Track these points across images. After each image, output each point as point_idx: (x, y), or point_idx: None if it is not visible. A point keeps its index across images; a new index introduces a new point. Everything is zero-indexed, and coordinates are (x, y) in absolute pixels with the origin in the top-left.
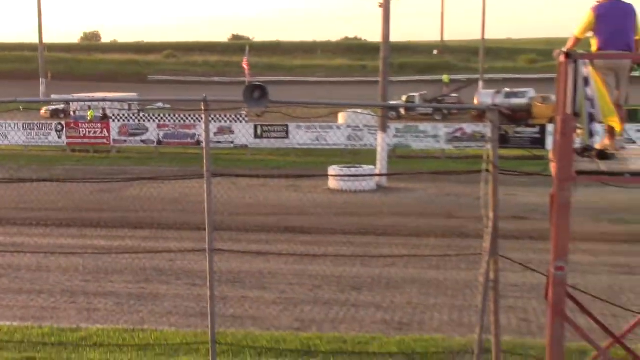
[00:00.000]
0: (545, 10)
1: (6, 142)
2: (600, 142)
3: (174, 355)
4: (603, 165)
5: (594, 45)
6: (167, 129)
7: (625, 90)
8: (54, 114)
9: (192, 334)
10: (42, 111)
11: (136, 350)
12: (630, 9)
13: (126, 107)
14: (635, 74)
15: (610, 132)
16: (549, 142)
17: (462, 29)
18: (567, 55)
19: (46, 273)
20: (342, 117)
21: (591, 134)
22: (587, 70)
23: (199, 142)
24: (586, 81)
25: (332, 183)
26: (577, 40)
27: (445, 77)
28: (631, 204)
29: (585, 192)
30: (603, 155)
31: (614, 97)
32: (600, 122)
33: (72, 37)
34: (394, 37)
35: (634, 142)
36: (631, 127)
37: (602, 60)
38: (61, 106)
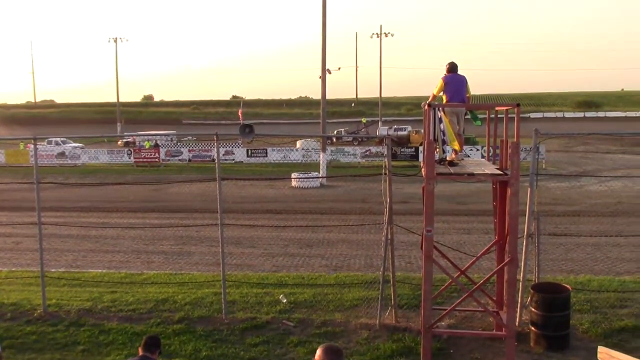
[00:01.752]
0: (416, 76)
1: (97, 161)
2: (449, 156)
3: (200, 288)
4: (452, 170)
5: (444, 99)
6: (194, 152)
7: (462, 125)
8: (126, 144)
9: (211, 275)
10: (119, 142)
11: (177, 286)
12: (463, 78)
13: (169, 139)
14: (467, 117)
15: (455, 150)
16: (420, 156)
17: (369, 90)
18: (429, 105)
19: (122, 240)
20: (299, 143)
21: (444, 151)
22: (440, 114)
23: (213, 160)
24: (440, 120)
25: (294, 183)
26: (434, 97)
27: (363, 119)
28: (468, 192)
29: (442, 186)
30: (451, 163)
31: (456, 129)
32: (449, 145)
33: (136, 97)
34: (328, 96)
35: (468, 156)
36: (467, 148)
37: (449, 108)
38: (130, 139)
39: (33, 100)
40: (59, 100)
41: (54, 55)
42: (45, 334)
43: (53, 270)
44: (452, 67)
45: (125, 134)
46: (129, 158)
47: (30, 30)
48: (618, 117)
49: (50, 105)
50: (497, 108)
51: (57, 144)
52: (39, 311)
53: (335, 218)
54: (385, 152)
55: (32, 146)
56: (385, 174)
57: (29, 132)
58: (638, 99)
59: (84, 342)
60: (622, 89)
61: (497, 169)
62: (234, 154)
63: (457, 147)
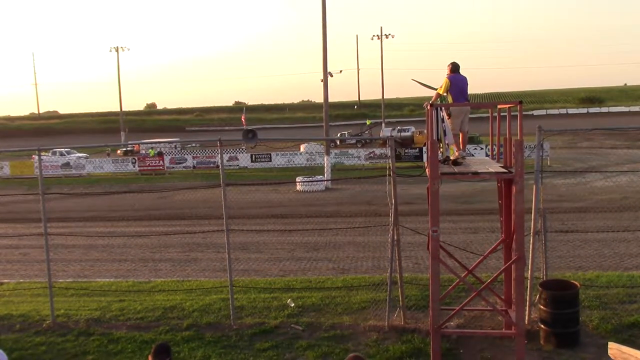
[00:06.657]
0: (417, 77)
1: (102, 171)
2: (453, 155)
3: (208, 295)
4: (456, 169)
5: (450, 99)
6: (198, 158)
7: (467, 124)
8: (126, 153)
9: (219, 281)
10: (118, 152)
11: (185, 293)
12: (465, 78)
13: (173, 146)
14: (470, 115)
15: (458, 149)
16: (424, 157)
17: (371, 91)
18: (431, 105)
19: (128, 248)
20: (302, 147)
21: (447, 151)
22: (442, 113)
23: (217, 166)
24: (442, 120)
25: (298, 187)
26: (439, 95)
27: (368, 121)
28: (473, 191)
29: (447, 186)
30: (455, 163)
31: (458, 128)
32: (450, 145)
33: (139, 106)
34: (331, 99)
35: (472, 155)
36: (470, 146)
37: (457, 108)
38: (131, 148)
39: (36, 112)
40: (63, 111)
41: (56, 66)
42: (54, 345)
43: (61, 280)
44: (455, 67)
45: (129, 142)
46: (134, 167)
47: (32, 41)
48: (622, 112)
49: (53, 116)
50: (499, 106)
51: (61, 154)
52: (47, 322)
53: (341, 221)
54: (389, 154)
55: (36, 157)
56: (389, 175)
57: (33, 144)
58: None
59: (94, 352)
60: (625, 84)
61: (502, 167)
62: (238, 159)
63: (454, 148)
